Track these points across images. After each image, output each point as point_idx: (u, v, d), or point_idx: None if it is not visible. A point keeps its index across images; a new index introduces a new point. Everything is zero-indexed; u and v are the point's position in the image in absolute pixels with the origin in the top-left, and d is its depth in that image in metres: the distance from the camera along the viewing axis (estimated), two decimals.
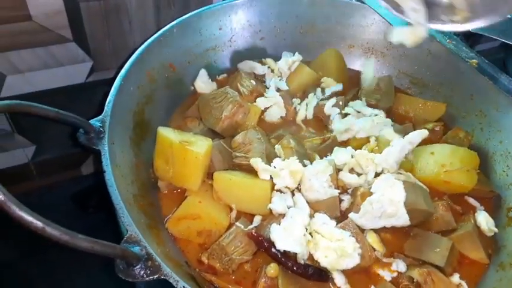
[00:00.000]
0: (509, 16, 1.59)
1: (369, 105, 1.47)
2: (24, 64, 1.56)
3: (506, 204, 1.27)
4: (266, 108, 1.42)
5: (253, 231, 1.09)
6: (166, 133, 1.16)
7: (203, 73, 1.49)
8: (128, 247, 0.84)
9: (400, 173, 1.25)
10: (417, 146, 1.35)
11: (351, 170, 1.25)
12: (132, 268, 0.82)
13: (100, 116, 1.07)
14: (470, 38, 2.35)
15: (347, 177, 1.22)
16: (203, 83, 1.48)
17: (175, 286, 0.82)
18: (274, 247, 1.06)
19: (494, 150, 1.38)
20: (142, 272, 0.82)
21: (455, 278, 1.12)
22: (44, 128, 1.82)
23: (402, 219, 1.13)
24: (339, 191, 1.18)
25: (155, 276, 0.82)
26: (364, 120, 1.36)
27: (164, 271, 0.83)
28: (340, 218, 1.17)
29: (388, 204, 1.11)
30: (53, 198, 1.98)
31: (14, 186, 1.98)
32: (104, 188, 0.94)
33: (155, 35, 1.32)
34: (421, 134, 1.25)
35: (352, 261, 1.07)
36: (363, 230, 1.15)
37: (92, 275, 1.77)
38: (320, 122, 1.44)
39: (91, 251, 0.73)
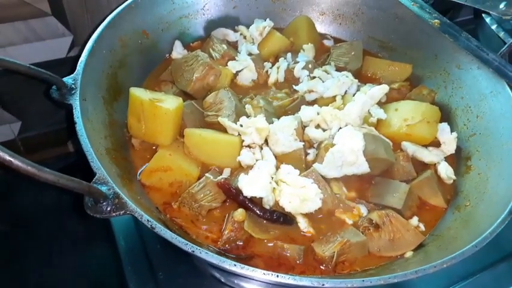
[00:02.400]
0: None
1: (338, 68, 1.52)
2: (5, 39, 1.60)
3: (465, 154, 1.34)
4: (238, 72, 1.47)
5: (222, 180, 1.15)
6: (137, 92, 1.21)
7: (178, 44, 1.54)
8: (95, 186, 0.90)
9: (364, 127, 1.31)
10: (384, 104, 1.42)
11: (317, 126, 1.31)
12: (99, 205, 0.88)
13: (72, 75, 1.13)
14: (449, 11, 2.42)
15: (313, 132, 1.28)
16: (179, 54, 1.53)
17: (140, 219, 0.88)
18: (242, 194, 1.12)
19: (456, 105, 1.44)
20: (109, 209, 0.88)
21: (414, 221, 1.18)
22: (29, 103, 1.86)
23: (362, 167, 1.19)
24: (303, 143, 1.24)
25: (121, 212, 0.89)
26: (330, 80, 1.42)
27: (130, 207, 0.89)
28: (306, 169, 1.23)
29: (348, 153, 1.17)
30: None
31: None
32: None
33: (126, 2, 1.36)
34: (382, 89, 1.31)
35: (314, 204, 1.13)
36: (327, 180, 1.21)
37: (80, 248, 1.84)
38: (291, 84, 1.49)
39: (57, 184, 0.79)
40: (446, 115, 1.45)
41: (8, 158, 0.72)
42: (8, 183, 1.95)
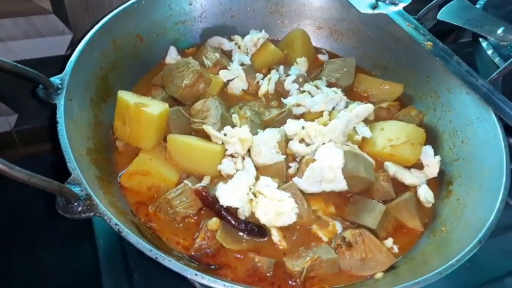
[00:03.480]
0: (478, 6, 1.66)
1: (329, 83, 1.53)
2: (5, 33, 1.63)
3: (448, 179, 1.34)
4: (229, 81, 1.49)
5: (200, 188, 1.16)
6: (124, 96, 1.23)
7: (173, 50, 1.56)
8: (68, 186, 0.91)
9: (347, 145, 1.31)
10: (372, 122, 1.43)
11: (301, 141, 1.32)
12: (70, 205, 0.90)
13: (60, 75, 1.15)
14: (453, 32, 2.42)
15: (296, 146, 1.29)
16: (173, 60, 1.55)
17: (108, 223, 0.89)
18: (218, 203, 1.13)
19: (444, 129, 1.44)
20: (79, 209, 0.90)
21: (389, 242, 1.19)
22: (27, 98, 1.89)
23: (340, 184, 1.19)
24: (284, 156, 1.25)
25: (91, 214, 0.90)
26: (319, 96, 1.43)
27: (100, 210, 0.91)
28: (286, 182, 1.23)
29: (327, 169, 1.18)
30: (34, 168, 2.07)
31: None
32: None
33: (123, 6, 1.39)
34: (366, 108, 1.32)
35: (289, 219, 1.14)
36: (305, 194, 1.22)
37: (66, 243, 1.86)
38: (280, 97, 1.50)
39: (28, 183, 0.81)
40: (433, 137, 1.45)
41: None
42: None
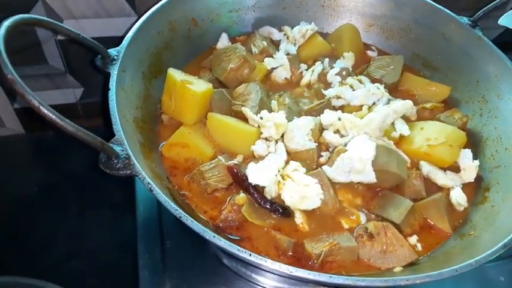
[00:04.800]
0: None
1: (373, 79, 1.53)
2: (78, 11, 1.79)
3: (485, 185, 1.30)
4: (273, 69, 1.54)
5: (232, 165, 1.23)
6: (173, 73, 1.32)
7: (224, 36, 1.63)
8: (111, 145, 1.01)
9: (383, 140, 1.31)
10: (413, 122, 1.42)
11: (336, 132, 1.34)
12: (110, 161, 0.99)
13: (117, 48, 1.26)
14: None
15: (329, 136, 1.31)
16: (223, 46, 1.62)
17: (142, 181, 0.98)
18: (247, 180, 1.19)
19: (488, 135, 1.40)
20: (118, 166, 0.99)
21: (412, 239, 1.18)
22: (93, 72, 2.05)
23: (369, 176, 1.20)
24: (316, 144, 1.28)
25: (128, 172, 0.99)
26: (361, 90, 1.44)
27: (136, 169, 1.00)
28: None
29: (357, 160, 1.19)
30: None
31: None
32: None
33: None
34: (405, 104, 1.31)
35: (313, 203, 1.17)
36: (333, 183, 1.24)
37: (114, 209, 2.01)
38: (322, 88, 1.52)
39: (74, 135, 0.91)
40: (476, 143, 1.41)
41: (36, 104, 0.85)
42: (60, 144, 2.17)
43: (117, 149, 1.01)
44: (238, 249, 0.89)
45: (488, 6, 1.49)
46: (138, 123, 1.24)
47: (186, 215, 0.93)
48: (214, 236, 0.90)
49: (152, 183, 0.97)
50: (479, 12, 1.51)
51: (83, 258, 1.93)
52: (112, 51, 1.23)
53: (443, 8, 1.57)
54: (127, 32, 1.33)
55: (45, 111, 0.86)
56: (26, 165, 2.15)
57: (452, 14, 1.55)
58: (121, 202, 2.00)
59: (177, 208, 0.94)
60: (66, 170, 2.13)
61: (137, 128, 1.22)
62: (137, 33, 1.32)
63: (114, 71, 1.19)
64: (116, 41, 1.88)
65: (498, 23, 1.61)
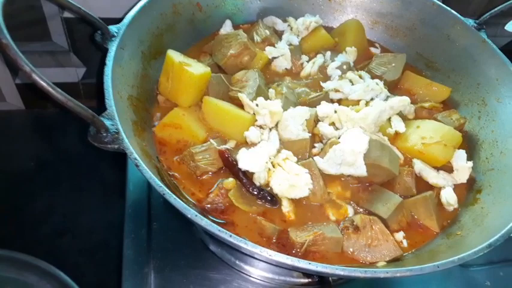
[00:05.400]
0: None
1: (374, 76, 1.52)
2: None
3: (478, 187, 1.29)
4: (274, 58, 1.53)
5: (224, 149, 1.22)
6: (172, 54, 1.32)
7: (228, 23, 1.63)
8: (101, 118, 1.01)
9: (377, 135, 1.31)
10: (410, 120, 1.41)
11: (331, 124, 1.33)
12: (99, 135, 0.99)
13: (118, 25, 1.26)
14: None
15: (324, 128, 1.31)
16: (226, 32, 1.62)
17: (129, 156, 0.98)
18: (237, 165, 1.18)
19: (485, 138, 1.39)
20: (106, 140, 0.99)
21: (399, 235, 1.17)
22: (96, 53, 2.06)
23: (359, 169, 1.20)
24: (309, 135, 1.27)
25: (116, 146, 0.99)
26: (359, 84, 1.43)
27: (125, 144, 0.99)
28: None
29: (349, 153, 1.19)
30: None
31: None
32: None
33: None
34: (402, 100, 1.30)
35: (301, 192, 1.16)
36: (324, 175, 1.24)
37: (106, 189, 2.02)
38: (321, 81, 1.51)
39: (65, 105, 0.91)
40: (472, 145, 1.40)
41: (28, 70, 0.85)
42: (58, 121, 2.19)
43: (108, 123, 1.01)
44: (219, 230, 0.89)
45: (496, 9, 1.48)
46: (133, 101, 1.24)
47: (170, 193, 0.93)
48: (196, 215, 0.90)
49: (139, 159, 0.97)
50: (485, 15, 1.49)
51: (73, 236, 1.95)
52: (112, 28, 1.23)
53: (450, 9, 1.55)
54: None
55: (37, 78, 0.86)
56: (24, 141, 2.17)
57: (459, 16, 1.54)
58: (114, 182, 2.01)
59: (161, 185, 0.94)
60: (63, 147, 2.15)
61: (131, 105, 1.22)
62: (139, 12, 1.32)
63: (112, 47, 1.19)
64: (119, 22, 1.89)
65: (505, 28, 1.60)
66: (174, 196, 0.93)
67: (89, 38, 1.82)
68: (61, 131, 2.18)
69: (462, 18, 1.53)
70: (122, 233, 1.38)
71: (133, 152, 0.98)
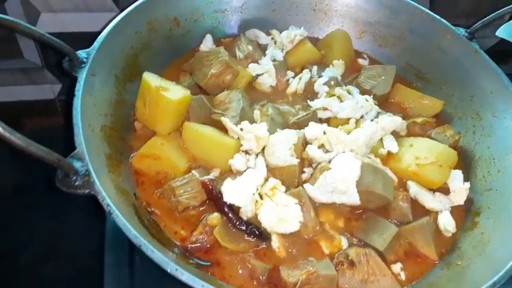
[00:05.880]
0: None
1: (363, 90, 1.45)
2: (57, 4, 1.69)
3: (476, 209, 1.23)
4: (258, 76, 1.45)
5: (207, 180, 1.14)
6: (148, 78, 1.23)
7: (209, 38, 1.54)
8: (70, 160, 0.92)
9: (369, 157, 1.24)
10: (403, 137, 1.34)
11: (321, 146, 1.26)
12: (67, 179, 0.90)
13: (88, 49, 1.16)
14: None
15: (313, 151, 1.23)
16: (207, 48, 1.53)
17: (101, 202, 0.89)
18: (223, 198, 1.10)
19: (481, 154, 1.33)
20: (76, 184, 0.90)
21: (396, 267, 1.11)
22: None
23: (352, 198, 1.13)
24: (298, 160, 1.19)
25: (86, 191, 0.90)
26: (349, 101, 1.35)
27: (96, 188, 0.91)
28: (297, 187, 1.18)
29: (340, 180, 1.11)
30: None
31: (39, 119, 2.17)
32: None
33: None
34: (394, 121, 1.23)
35: (292, 227, 1.09)
36: (315, 203, 1.16)
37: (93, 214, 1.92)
38: (308, 98, 1.44)
39: (26, 151, 0.82)
40: (467, 162, 1.34)
41: None
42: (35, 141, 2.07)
43: (77, 164, 0.92)
44: (203, 286, 0.81)
45: (487, 17, 1.41)
46: (106, 132, 1.15)
47: (147, 244, 0.84)
48: (176, 269, 0.82)
49: (112, 206, 0.88)
50: (476, 24, 1.43)
51: (55, 263, 1.85)
52: (81, 53, 1.14)
53: (440, 17, 1.49)
54: (106, 25, 1.24)
55: None
56: (1, 163, 2.06)
57: (449, 25, 1.47)
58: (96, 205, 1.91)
59: (137, 235, 0.86)
60: (41, 170, 2.04)
61: (105, 137, 1.13)
62: (111, 33, 1.23)
63: (81, 75, 1.10)
64: (96, 36, 1.79)
65: (496, 34, 1.54)
66: (152, 248, 0.84)
67: (55, 65, 1.72)
68: None
69: (453, 27, 1.47)
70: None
71: (106, 197, 0.90)
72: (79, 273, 1.82)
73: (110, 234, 1.32)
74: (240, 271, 1.05)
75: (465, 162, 1.33)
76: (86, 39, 1.82)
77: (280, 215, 1.09)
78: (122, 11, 1.70)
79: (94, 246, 1.68)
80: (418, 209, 1.21)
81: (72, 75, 1.12)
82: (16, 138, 0.79)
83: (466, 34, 1.44)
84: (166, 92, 1.19)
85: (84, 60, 1.13)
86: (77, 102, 1.04)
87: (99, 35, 1.76)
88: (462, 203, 1.23)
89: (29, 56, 1.87)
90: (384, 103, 1.46)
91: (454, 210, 1.23)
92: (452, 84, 1.47)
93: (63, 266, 1.84)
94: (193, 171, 1.16)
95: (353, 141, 1.22)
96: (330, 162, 1.19)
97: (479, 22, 1.42)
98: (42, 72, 1.95)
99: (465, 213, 1.24)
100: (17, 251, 1.85)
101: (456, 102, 1.45)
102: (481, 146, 1.33)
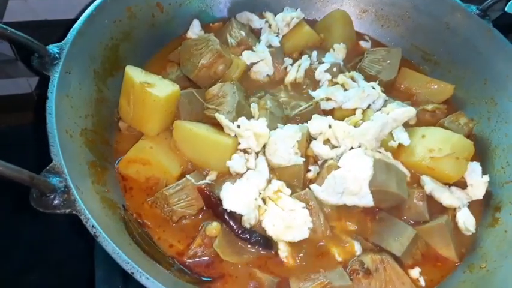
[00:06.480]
0: None
1: (367, 76, 1.33)
2: None
3: (496, 203, 1.14)
4: (253, 64, 1.32)
5: (204, 186, 1.02)
6: (131, 72, 1.10)
7: (196, 23, 1.40)
8: (45, 176, 0.79)
9: (379, 152, 1.13)
10: (412, 127, 1.23)
11: (326, 141, 1.15)
12: (44, 198, 0.78)
13: (59, 43, 1.02)
14: None
15: (318, 148, 1.12)
16: (195, 35, 1.39)
17: (85, 223, 0.77)
18: (222, 205, 0.99)
19: (498, 143, 1.23)
20: (55, 203, 0.78)
21: (415, 272, 1.02)
22: None
23: (365, 199, 1.02)
24: (303, 159, 1.08)
25: (67, 210, 0.78)
26: (354, 90, 1.24)
27: (77, 207, 0.79)
28: (303, 188, 1.08)
29: (351, 180, 1.01)
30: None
31: (16, 115, 2.02)
32: None
33: None
34: (407, 112, 1.12)
35: (300, 234, 0.99)
36: (323, 205, 1.06)
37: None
38: (309, 87, 1.31)
39: None
40: (483, 151, 1.24)
41: None
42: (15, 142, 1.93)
43: (53, 180, 0.80)
44: None
45: None
46: (88, 136, 1.02)
47: (140, 271, 0.73)
48: None
49: (98, 227, 0.77)
50: (488, 0, 1.31)
51: (39, 272, 1.74)
52: (52, 48, 1.00)
53: None
54: (80, 14, 1.10)
55: None
56: None
57: (459, 1, 1.36)
58: None
59: (129, 261, 0.74)
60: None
61: (86, 142, 1.00)
62: (86, 23, 1.08)
63: (54, 74, 0.96)
64: (69, 23, 1.64)
65: (505, 10, 1.43)
66: (146, 275, 0.73)
67: (22, 61, 1.56)
68: (19, 151, 1.92)
69: (463, 4, 1.35)
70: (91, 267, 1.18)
71: (90, 218, 0.78)
72: (68, 280, 1.71)
73: (100, 247, 1.20)
74: (246, 286, 0.94)
75: (481, 152, 1.23)
76: (60, 26, 1.67)
77: (287, 222, 0.98)
78: None
79: (79, 254, 1.57)
80: (433, 206, 1.11)
81: (44, 74, 0.98)
82: None
83: (478, 12, 1.32)
84: (152, 89, 1.06)
85: (57, 56, 0.99)
86: (51, 106, 0.91)
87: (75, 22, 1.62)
88: (481, 197, 1.13)
89: (0, 47, 1.71)
90: (390, 89, 1.35)
91: (472, 205, 1.13)
92: (463, 67, 1.36)
93: (48, 275, 1.73)
94: (187, 176, 1.04)
95: (362, 135, 1.10)
96: (337, 159, 1.09)
97: None
98: (16, 65, 1.79)
99: (484, 208, 1.15)
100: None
101: (468, 85, 1.34)
102: (498, 134, 1.23)
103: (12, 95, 1.94)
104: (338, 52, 1.40)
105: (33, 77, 1.87)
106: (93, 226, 0.77)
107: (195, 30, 1.39)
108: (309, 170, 1.12)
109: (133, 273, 0.73)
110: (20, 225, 1.78)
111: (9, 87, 1.89)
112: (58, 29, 1.61)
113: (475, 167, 1.15)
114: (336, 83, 1.28)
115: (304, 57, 1.35)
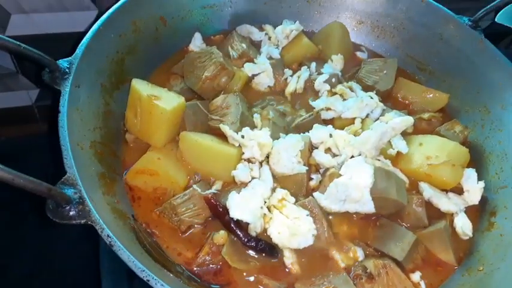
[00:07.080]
0: None
1: (365, 86, 1.38)
2: (30, 5, 1.56)
3: (491, 208, 1.18)
4: (254, 76, 1.36)
5: (210, 195, 1.05)
6: (138, 85, 1.13)
7: (198, 36, 1.44)
8: (61, 187, 0.82)
9: (379, 160, 1.17)
10: (410, 135, 1.28)
11: (327, 150, 1.18)
12: (60, 209, 0.80)
13: (69, 58, 1.05)
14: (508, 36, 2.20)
15: (320, 157, 1.16)
16: (197, 47, 1.43)
17: (100, 233, 0.80)
18: (228, 214, 1.02)
19: (491, 150, 1.27)
20: (71, 214, 0.81)
21: (416, 276, 1.05)
22: None
23: (367, 206, 1.06)
24: (306, 168, 1.12)
25: (82, 221, 0.81)
26: (352, 100, 1.28)
27: (92, 217, 0.81)
28: (306, 196, 1.11)
29: (353, 188, 1.05)
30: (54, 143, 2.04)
31: (16, 127, 2.04)
32: None
33: None
34: (406, 121, 1.16)
35: (305, 241, 1.02)
36: (326, 212, 1.09)
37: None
38: (309, 97, 1.36)
39: (12, 184, 0.72)
40: (477, 158, 1.28)
41: None
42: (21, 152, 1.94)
43: (69, 192, 0.82)
44: None
45: (490, 5, 1.35)
46: (97, 148, 1.05)
47: (156, 278, 0.76)
48: None
49: (113, 237, 0.79)
50: (480, 12, 1.36)
51: (43, 281, 1.74)
52: (63, 63, 1.02)
53: (441, 6, 1.42)
54: (88, 28, 1.13)
55: None
56: None
57: (451, 13, 1.41)
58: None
59: (144, 269, 0.77)
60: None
61: (95, 154, 1.03)
62: (94, 38, 1.11)
63: (65, 88, 0.99)
64: (74, 37, 1.67)
65: (495, 20, 1.48)
66: (162, 282, 0.76)
67: (34, 77, 1.59)
68: (23, 162, 1.94)
69: (455, 16, 1.40)
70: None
71: (105, 227, 0.80)
72: None
73: (105, 258, 1.23)
74: None
75: (476, 159, 1.27)
76: (63, 40, 1.70)
77: (292, 229, 1.01)
78: (100, 9, 1.60)
79: (85, 263, 1.58)
80: (432, 211, 1.15)
81: (55, 88, 1.01)
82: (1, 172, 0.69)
83: (470, 23, 1.38)
84: (159, 101, 1.09)
85: (67, 70, 1.02)
86: (63, 120, 0.93)
87: (76, 35, 1.65)
88: (477, 202, 1.18)
89: (1, 61, 1.73)
90: (387, 99, 1.39)
91: (468, 211, 1.17)
92: (457, 76, 1.41)
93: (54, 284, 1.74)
94: (194, 186, 1.07)
95: (362, 143, 1.15)
96: (339, 167, 1.12)
97: (483, 10, 1.35)
98: (17, 78, 1.82)
99: (480, 213, 1.19)
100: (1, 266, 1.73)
101: (462, 94, 1.39)
102: (491, 141, 1.28)
103: (13, 108, 1.96)
104: (336, 63, 1.44)
105: (33, 90, 1.89)
106: (108, 236, 0.79)
107: (196, 43, 1.43)
108: (312, 179, 1.16)
109: (148, 280, 0.76)
110: (23, 239, 1.79)
111: (9, 99, 1.91)
112: (60, 42, 1.65)
113: (471, 173, 1.19)
114: (335, 93, 1.32)
115: (304, 68, 1.40)
